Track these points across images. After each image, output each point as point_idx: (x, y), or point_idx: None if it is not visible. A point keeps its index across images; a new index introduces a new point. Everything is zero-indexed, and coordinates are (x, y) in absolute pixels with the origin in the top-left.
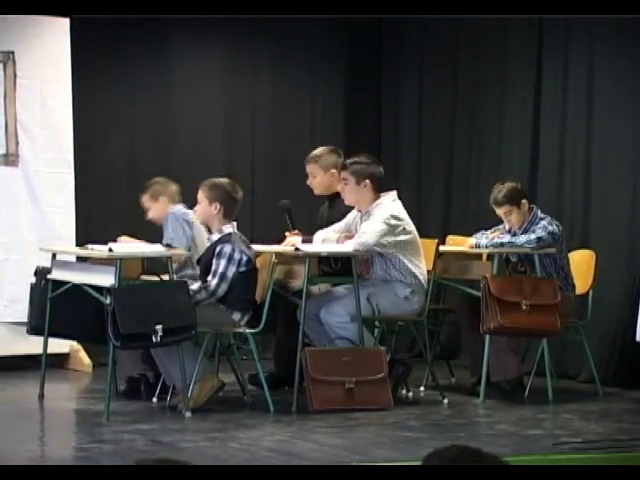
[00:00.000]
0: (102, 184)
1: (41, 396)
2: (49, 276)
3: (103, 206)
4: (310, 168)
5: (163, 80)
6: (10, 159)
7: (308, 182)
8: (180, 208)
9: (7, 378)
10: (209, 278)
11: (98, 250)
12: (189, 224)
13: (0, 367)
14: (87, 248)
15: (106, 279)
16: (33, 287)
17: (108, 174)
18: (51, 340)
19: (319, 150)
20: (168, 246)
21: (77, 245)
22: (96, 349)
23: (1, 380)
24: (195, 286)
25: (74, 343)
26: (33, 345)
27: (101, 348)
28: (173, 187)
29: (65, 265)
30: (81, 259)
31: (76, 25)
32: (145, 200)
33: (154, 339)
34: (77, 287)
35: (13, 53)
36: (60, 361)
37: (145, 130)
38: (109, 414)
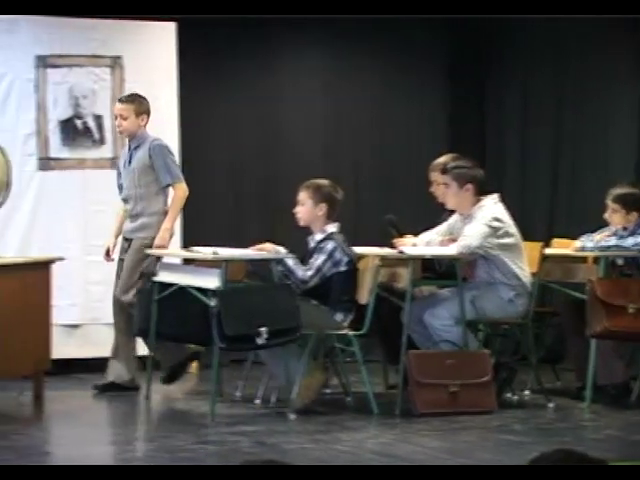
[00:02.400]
0: (208, 187)
1: (147, 397)
2: (155, 278)
3: (208, 208)
4: (438, 177)
5: (266, 82)
6: (118, 162)
7: (432, 189)
8: None
9: None
10: (305, 267)
11: (203, 252)
12: None
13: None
14: (192, 250)
15: (211, 281)
16: (139, 289)
17: (213, 177)
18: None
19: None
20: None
21: (183, 247)
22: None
23: None
24: (291, 262)
25: None
26: (140, 347)
27: (206, 350)
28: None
29: (171, 267)
30: (187, 261)
31: (182, 29)
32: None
33: (259, 341)
34: (182, 289)
35: (121, 58)
36: None
37: (249, 132)
38: (214, 415)
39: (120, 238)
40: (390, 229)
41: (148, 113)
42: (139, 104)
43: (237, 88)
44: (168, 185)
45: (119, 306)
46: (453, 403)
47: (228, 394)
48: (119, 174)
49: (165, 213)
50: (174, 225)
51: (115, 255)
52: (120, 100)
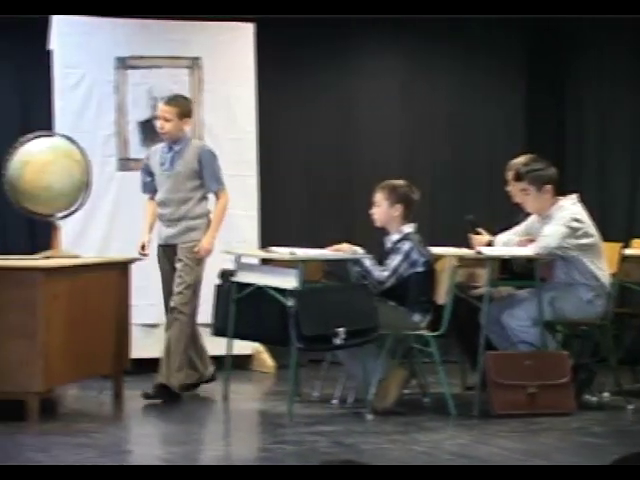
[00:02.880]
0: (285, 187)
1: (225, 397)
2: (233, 278)
3: (286, 209)
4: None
5: (344, 82)
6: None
7: (509, 189)
8: None
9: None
10: (381, 268)
11: (281, 252)
12: None
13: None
14: (270, 251)
15: (289, 281)
16: (218, 289)
17: (291, 177)
18: (235, 342)
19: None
20: None
21: (260, 248)
22: (279, 351)
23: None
24: (368, 263)
25: (257, 345)
26: (217, 346)
27: (284, 350)
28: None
29: (249, 267)
30: (264, 262)
31: (260, 29)
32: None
33: (336, 341)
34: (260, 289)
35: (200, 59)
36: (244, 362)
37: (326, 133)
38: (292, 415)
39: (149, 240)
40: (470, 230)
41: (191, 115)
42: (183, 106)
43: (314, 88)
44: (216, 191)
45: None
46: (531, 404)
47: (306, 394)
48: (148, 173)
49: (208, 217)
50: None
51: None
52: (164, 101)
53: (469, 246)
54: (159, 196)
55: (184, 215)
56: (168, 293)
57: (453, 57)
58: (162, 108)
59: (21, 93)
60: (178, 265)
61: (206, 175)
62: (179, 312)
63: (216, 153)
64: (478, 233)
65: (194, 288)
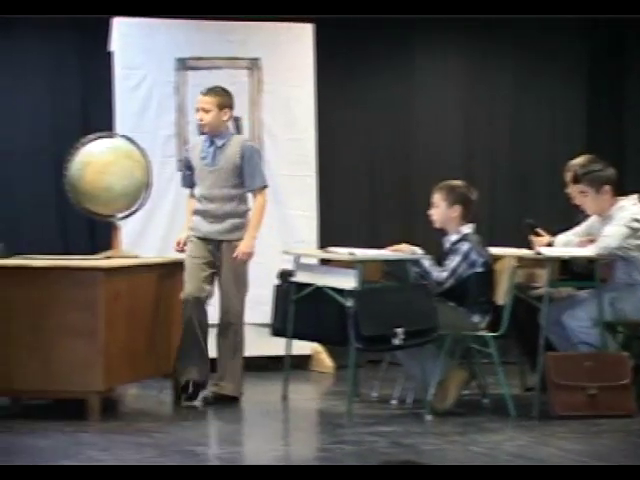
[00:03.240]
0: (344, 187)
1: (284, 397)
2: (292, 279)
3: (345, 209)
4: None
5: (402, 83)
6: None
7: (568, 190)
8: None
9: (251, 378)
10: (440, 269)
11: (340, 253)
12: None
13: (245, 367)
14: (329, 251)
15: (348, 282)
16: (277, 289)
17: (349, 177)
18: (294, 342)
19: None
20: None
21: (319, 248)
22: (338, 351)
23: (246, 380)
24: (427, 263)
25: (316, 345)
26: (276, 346)
27: (343, 350)
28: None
29: (308, 268)
30: (323, 262)
31: (319, 30)
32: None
33: (395, 342)
34: (319, 289)
35: (259, 60)
36: (303, 362)
37: (385, 133)
38: (351, 416)
39: (186, 235)
40: (529, 233)
41: (231, 107)
42: (222, 97)
43: (374, 89)
44: (255, 190)
45: (198, 308)
46: (591, 406)
47: (365, 394)
48: (188, 167)
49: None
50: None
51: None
52: (202, 92)
53: (529, 248)
54: (201, 191)
55: (230, 212)
56: (196, 284)
57: (514, 58)
58: (201, 99)
59: (83, 94)
60: (225, 264)
61: (246, 172)
62: (233, 315)
63: (259, 149)
64: (538, 236)
65: (244, 288)
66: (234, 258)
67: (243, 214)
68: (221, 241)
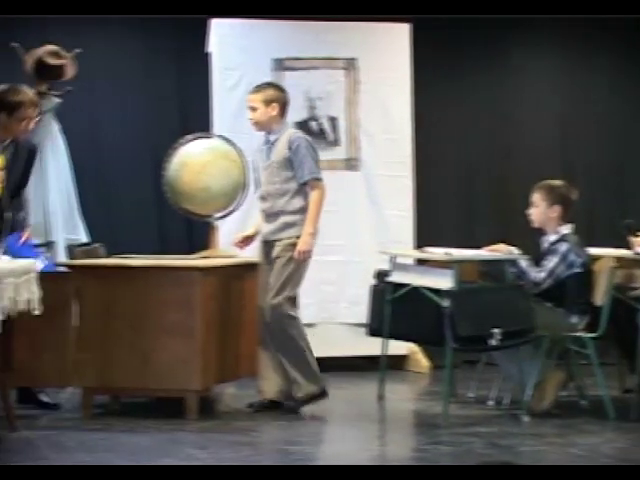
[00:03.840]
0: (440, 187)
1: (381, 397)
2: (388, 279)
3: (441, 209)
4: None
5: (500, 82)
6: (352, 163)
7: None
8: None
9: (348, 378)
10: (538, 269)
11: (436, 253)
12: None
13: (341, 367)
14: (425, 251)
15: (444, 282)
16: (373, 289)
17: (446, 177)
18: (390, 342)
19: None
20: None
21: (415, 248)
22: (434, 351)
23: (342, 380)
24: (524, 264)
25: (412, 345)
26: (372, 346)
27: (439, 350)
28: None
29: (404, 268)
30: (419, 262)
31: (416, 30)
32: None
33: (492, 342)
34: (415, 290)
35: (356, 60)
36: (399, 362)
37: (482, 132)
38: (447, 416)
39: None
40: (628, 234)
41: (280, 101)
42: (267, 92)
43: (470, 89)
44: (305, 183)
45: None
46: None
47: (461, 395)
48: (254, 168)
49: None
50: (316, 227)
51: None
52: (250, 91)
53: (628, 248)
54: (259, 191)
55: (282, 209)
56: (260, 293)
57: (612, 56)
58: (248, 97)
59: (181, 95)
60: (275, 265)
61: (295, 163)
62: (287, 317)
63: (311, 141)
64: (637, 236)
65: (292, 288)
66: (278, 257)
67: (297, 210)
68: (274, 241)
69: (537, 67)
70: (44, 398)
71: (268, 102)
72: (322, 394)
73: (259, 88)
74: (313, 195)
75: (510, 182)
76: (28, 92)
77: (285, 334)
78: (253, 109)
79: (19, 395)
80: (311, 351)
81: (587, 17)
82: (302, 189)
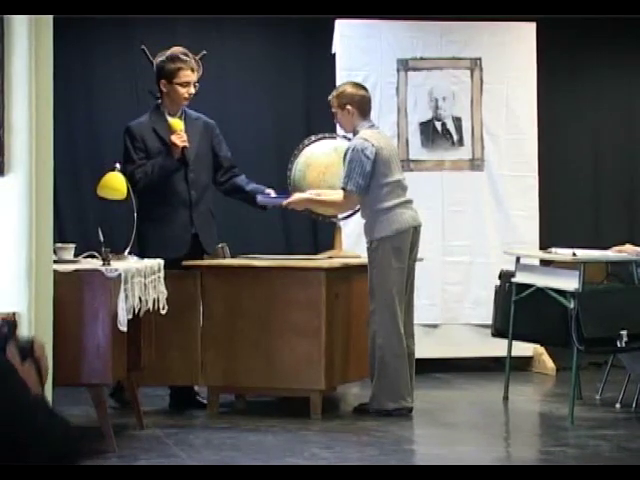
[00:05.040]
0: (566, 187)
1: (505, 398)
2: (513, 279)
3: (568, 209)
4: None
5: (628, 82)
6: (476, 163)
7: None
8: None
9: (473, 379)
10: None
11: (562, 253)
12: None
13: (465, 368)
14: (551, 252)
15: (570, 283)
16: (497, 290)
17: (572, 177)
18: (515, 343)
19: None
20: None
21: (541, 249)
22: (560, 353)
23: (467, 381)
24: None
25: (538, 346)
26: (497, 347)
27: (565, 352)
28: None
29: (529, 268)
30: (545, 262)
31: (541, 29)
32: None
33: (619, 344)
34: (541, 290)
35: (480, 60)
36: (524, 364)
37: (610, 132)
38: (573, 418)
39: None
40: None
41: (354, 102)
42: (337, 96)
43: (597, 89)
44: (342, 188)
45: None
46: None
47: (587, 397)
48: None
49: (382, 211)
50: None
51: None
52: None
53: None
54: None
55: (363, 214)
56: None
57: None
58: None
59: (306, 95)
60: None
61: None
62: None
63: (365, 151)
64: None
65: (378, 295)
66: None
67: (369, 214)
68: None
69: None
70: (201, 399)
71: (342, 105)
72: (396, 411)
73: (333, 94)
74: (341, 200)
75: (637, 181)
76: (184, 57)
77: (373, 342)
78: (336, 116)
79: (173, 397)
80: (403, 367)
81: None
82: (374, 192)
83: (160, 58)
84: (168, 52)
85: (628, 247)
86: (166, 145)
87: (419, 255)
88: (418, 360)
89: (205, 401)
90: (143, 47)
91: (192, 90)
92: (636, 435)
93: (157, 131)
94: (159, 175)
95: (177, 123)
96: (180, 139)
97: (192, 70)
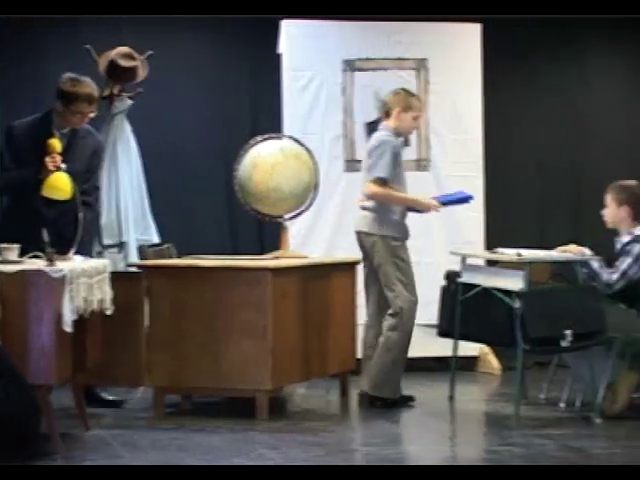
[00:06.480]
0: (511, 188)
1: (451, 397)
2: (459, 279)
3: (513, 209)
4: None
5: (570, 83)
6: (422, 164)
7: None
8: None
9: (419, 379)
10: (610, 270)
11: (507, 254)
12: None
13: (412, 368)
14: (496, 252)
15: (515, 283)
16: (443, 290)
17: (517, 178)
18: (461, 343)
19: None
20: None
21: (486, 249)
22: (505, 353)
23: (413, 380)
24: (596, 265)
25: (483, 346)
26: (443, 347)
27: (510, 352)
28: None
29: (475, 269)
30: (490, 263)
31: (486, 30)
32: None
33: (563, 344)
34: (486, 291)
35: (426, 60)
36: (470, 364)
37: (554, 132)
38: (518, 418)
39: None
40: None
41: (403, 107)
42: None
43: (541, 88)
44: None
45: None
46: None
47: (532, 396)
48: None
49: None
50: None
51: None
52: None
53: None
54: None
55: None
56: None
57: None
58: None
59: (253, 96)
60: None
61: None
62: None
63: (386, 142)
64: None
65: None
66: None
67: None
68: None
69: (606, 66)
70: (108, 396)
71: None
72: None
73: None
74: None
75: (583, 182)
76: (87, 86)
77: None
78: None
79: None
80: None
81: None
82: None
83: (64, 77)
84: (112, 52)
85: (572, 247)
86: (38, 160)
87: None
88: (360, 360)
89: (110, 397)
90: (88, 47)
91: (85, 120)
92: (580, 434)
93: (36, 142)
94: (19, 189)
95: (56, 144)
96: (53, 163)
97: (90, 102)
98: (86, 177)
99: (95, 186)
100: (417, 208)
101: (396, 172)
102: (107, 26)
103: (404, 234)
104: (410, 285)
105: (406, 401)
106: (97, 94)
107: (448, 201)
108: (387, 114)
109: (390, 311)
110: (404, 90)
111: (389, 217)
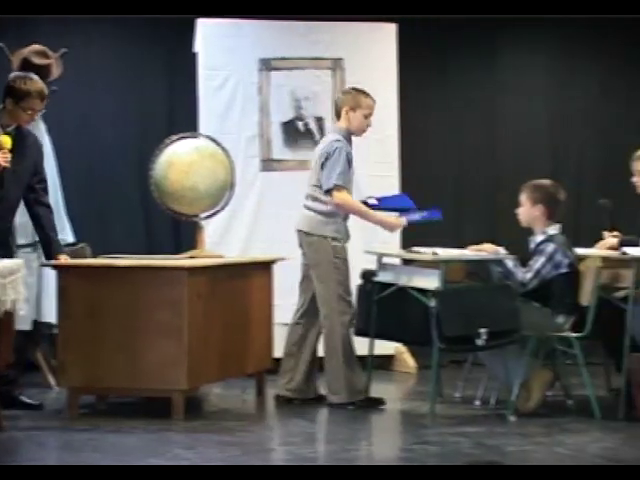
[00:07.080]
0: (427, 187)
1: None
2: (375, 279)
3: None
4: None
5: (487, 82)
6: None
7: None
8: None
9: None
10: (524, 269)
11: (423, 253)
12: None
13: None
14: (412, 251)
15: (431, 282)
16: (359, 289)
17: (432, 177)
18: (377, 342)
19: None
20: None
21: (402, 248)
22: (421, 351)
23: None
24: (511, 264)
25: (399, 345)
26: (360, 346)
27: (425, 350)
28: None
29: (390, 267)
30: (406, 262)
31: (402, 30)
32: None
33: (478, 342)
34: (402, 290)
35: (342, 60)
36: (386, 362)
37: (470, 133)
38: (434, 416)
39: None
40: (604, 215)
41: (351, 106)
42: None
43: (457, 88)
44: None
45: None
46: None
47: (448, 395)
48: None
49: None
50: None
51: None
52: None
53: (605, 230)
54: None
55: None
56: None
57: (599, 56)
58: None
59: (168, 95)
60: None
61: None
62: None
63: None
64: (614, 227)
65: None
66: None
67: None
68: None
69: (523, 66)
70: (26, 399)
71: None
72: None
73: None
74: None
75: (498, 182)
76: (38, 83)
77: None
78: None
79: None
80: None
81: (572, 17)
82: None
83: (14, 75)
84: (26, 50)
85: (487, 246)
86: None
87: (284, 254)
88: (278, 359)
89: (29, 401)
90: (1, 45)
91: (35, 117)
92: (495, 431)
93: None
94: None
95: (6, 141)
96: (3, 159)
97: (42, 99)
98: (35, 172)
99: (44, 179)
100: (382, 226)
101: (349, 177)
102: (21, 25)
103: (345, 235)
104: (345, 284)
105: (375, 404)
106: (47, 91)
107: (415, 221)
108: (338, 115)
109: (323, 312)
110: (354, 89)
111: (331, 218)
